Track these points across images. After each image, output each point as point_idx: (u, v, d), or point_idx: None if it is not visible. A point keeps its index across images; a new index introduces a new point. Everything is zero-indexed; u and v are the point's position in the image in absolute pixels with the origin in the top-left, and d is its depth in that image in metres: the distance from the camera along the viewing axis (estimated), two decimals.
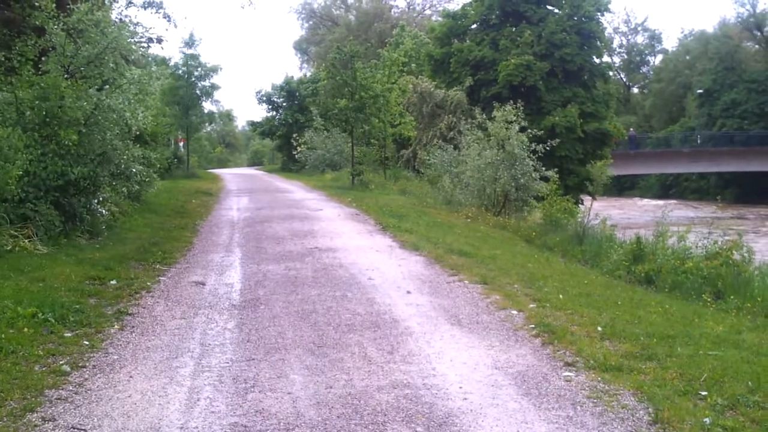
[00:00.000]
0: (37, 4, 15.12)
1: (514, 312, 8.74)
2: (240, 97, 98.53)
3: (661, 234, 16.27)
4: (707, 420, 5.30)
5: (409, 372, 6.51)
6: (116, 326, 7.96)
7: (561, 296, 9.83)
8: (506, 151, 23.64)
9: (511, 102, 25.81)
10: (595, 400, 5.81)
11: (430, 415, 5.48)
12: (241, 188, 32.35)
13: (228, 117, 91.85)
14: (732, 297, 11.81)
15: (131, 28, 17.58)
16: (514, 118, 24.19)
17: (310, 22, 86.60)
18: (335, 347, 7.28)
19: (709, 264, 13.14)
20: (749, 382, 6.15)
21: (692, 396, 5.87)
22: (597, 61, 45.60)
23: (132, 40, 16.91)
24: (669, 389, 6.00)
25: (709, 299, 11.73)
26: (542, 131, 26.98)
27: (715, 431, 5.14)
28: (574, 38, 42.09)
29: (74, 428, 5.23)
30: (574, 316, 8.60)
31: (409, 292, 9.89)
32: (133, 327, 8.03)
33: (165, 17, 21.40)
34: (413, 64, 47.38)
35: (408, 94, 37.84)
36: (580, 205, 34.23)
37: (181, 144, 45.58)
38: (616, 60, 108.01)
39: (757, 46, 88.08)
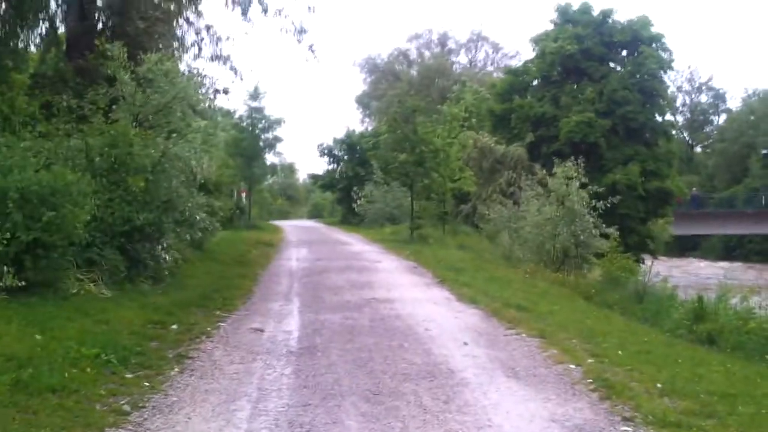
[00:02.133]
0: (109, 54, 15.63)
1: (572, 366, 8.66)
2: (302, 150, 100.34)
3: (724, 294, 16.02)
4: None
5: (464, 422, 6.50)
6: (176, 369, 8.09)
7: (620, 352, 9.72)
8: (566, 207, 23.55)
9: (572, 158, 25.77)
10: None
11: None
12: (300, 239, 32.66)
13: (290, 169, 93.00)
14: None
15: (198, 79, 18.08)
16: (575, 175, 24.12)
17: (373, 77, 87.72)
18: (391, 395, 7.29)
19: None
20: None
21: None
22: (659, 119, 45.42)
23: (199, 90, 17.38)
24: None
25: None
26: (603, 188, 26.85)
27: None
28: (636, 96, 42.03)
29: None
30: (632, 372, 8.49)
31: (465, 344, 9.87)
32: (192, 370, 8.15)
33: (231, 69, 21.95)
34: (474, 120, 47.60)
35: (468, 149, 38.00)
36: (640, 264, 33.79)
37: (244, 195, 46.25)
38: (680, 119, 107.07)
39: None
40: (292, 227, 47.04)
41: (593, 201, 23.88)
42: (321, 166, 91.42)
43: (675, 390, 7.72)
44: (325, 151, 60.16)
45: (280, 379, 7.92)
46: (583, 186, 24.13)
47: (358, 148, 57.47)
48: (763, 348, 12.32)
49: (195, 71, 19.43)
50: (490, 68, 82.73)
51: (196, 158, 16.70)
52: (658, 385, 7.85)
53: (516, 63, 53.48)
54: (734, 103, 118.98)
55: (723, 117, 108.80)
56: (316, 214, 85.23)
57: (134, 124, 14.77)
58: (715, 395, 7.59)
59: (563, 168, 24.62)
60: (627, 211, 38.17)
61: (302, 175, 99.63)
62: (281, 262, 21.33)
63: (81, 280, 11.70)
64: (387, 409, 6.85)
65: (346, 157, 59.06)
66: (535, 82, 46.24)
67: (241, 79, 22.54)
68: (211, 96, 19.98)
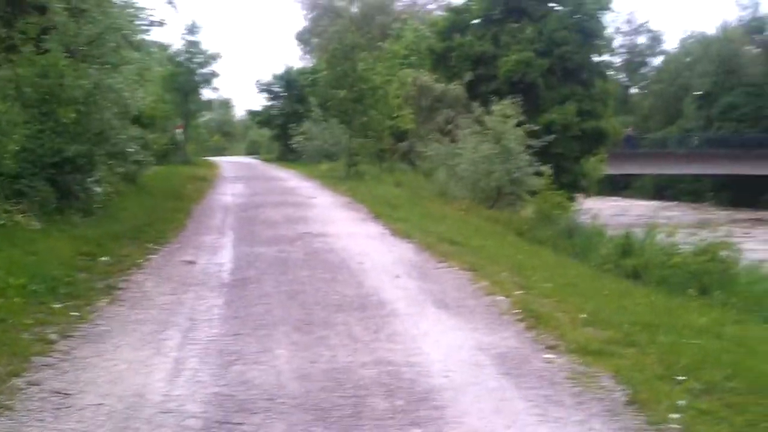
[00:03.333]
0: None
1: (500, 298, 8.82)
2: (240, 87, 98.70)
3: (651, 230, 16.40)
4: (682, 402, 5.39)
5: (393, 350, 6.61)
6: (105, 300, 8.06)
7: (548, 285, 9.92)
8: (502, 145, 23.72)
9: (510, 97, 25.91)
10: (573, 381, 5.91)
11: (410, 391, 5.58)
12: (236, 175, 32.46)
13: (227, 105, 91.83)
14: (717, 292, 11.94)
15: (132, 10, 17.66)
16: (512, 113, 24.29)
17: (314, 13, 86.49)
18: (322, 325, 7.38)
19: (697, 260, 13.26)
20: (727, 370, 6.23)
21: (669, 380, 5.96)
22: (597, 59, 45.71)
23: (133, 22, 16.98)
24: (647, 373, 6.09)
25: (694, 294, 11.85)
26: (539, 127, 27.08)
27: (688, 413, 5.22)
28: (574, 36, 42.15)
29: (58, 393, 5.32)
30: (559, 303, 8.69)
31: (397, 277, 9.98)
32: (122, 301, 8.13)
33: (168, 2, 21.45)
34: (414, 58, 47.38)
35: (407, 87, 37.90)
36: (573, 202, 34.32)
37: (179, 131, 45.57)
38: (617, 60, 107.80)
39: (757, 50, 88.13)
40: (228, 163, 46.65)
41: (529, 139, 24.12)
42: (259, 102, 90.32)
43: (599, 320, 7.92)
44: (264, 88, 59.47)
45: (211, 309, 7.95)
46: (519, 125, 24.32)
47: (296, 84, 56.89)
48: (685, 282, 12.68)
49: (129, 2, 18.97)
50: (431, 6, 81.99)
51: (129, 91, 16.36)
52: (583, 316, 8.05)
53: (457, 1, 53.13)
54: (671, 45, 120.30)
55: (660, 59, 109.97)
56: (253, 150, 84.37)
57: (66, 54, 14.36)
58: (637, 325, 7.80)
59: (501, 106, 24.77)
60: (562, 150, 38.50)
61: (240, 112, 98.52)
62: (216, 197, 21.21)
63: (9, 211, 11.47)
64: (317, 338, 6.93)
65: (284, 94, 58.48)
66: (476, 21, 46.01)
67: (177, 11, 22.06)
68: (146, 27, 19.58)
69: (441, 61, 44.63)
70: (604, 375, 6.05)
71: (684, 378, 5.98)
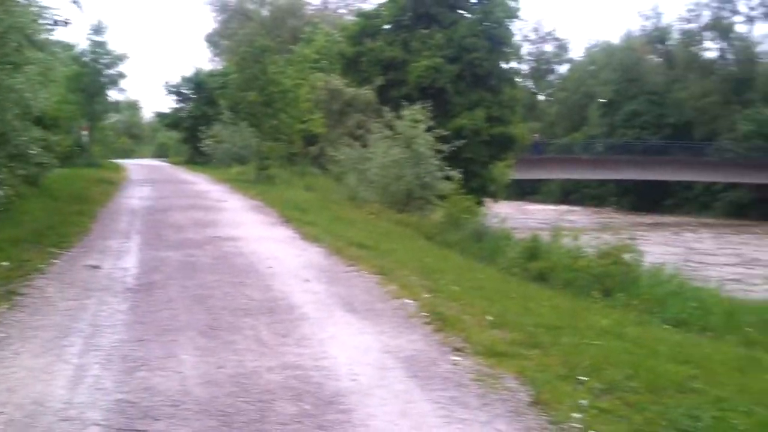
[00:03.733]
0: None
1: (409, 301, 8.88)
2: (148, 88, 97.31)
3: (557, 234, 16.74)
4: (584, 402, 5.52)
5: (300, 354, 6.59)
6: (5, 305, 7.82)
7: (455, 288, 10.04)
8: (412, 150, 23.89)
9: (420, 102, 26.11)
10: (479, 383, 5.99)
11: (318, 394, 5.58)
12: (144, 178, 31.92)
13: (134, 107, 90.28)
14: (620, 294, 12.26)
15: (36, 9, 17.17)
16: (422, 118, 24.49)
17: (224, 15, 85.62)
18: (228, 330, 7.30)
19: (600, 263, 13.59)
20: (627, 370, 6.41)
21: (572, 381, 6.10)
22: (505, 66, 46.44)
23: (37, 21, 16.53)
24: (550, 374, 6.22)
25: (598, 296, 12.14)
26: (449, 132, 27.33)
27: (590, 412, 5.34)
28: (483, 43, 42.75)
29: None
30: (466, 306, 8.80)
31: (307, 281, 9.96)
32: (23, 307, 7.91)
33: (72, 0, 20.89)
34: (324, 62, 47.35)
35: (318, 91, 37.87)
36: (481, 206, 34.79)
37: (85, 132, 44.52)
38: (525, 67, 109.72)
39: (658, 59, 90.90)
40: (136, 166, 45.86)
41: (439, 144, 24.34)
42: (168, 104, 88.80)
43: (505, 323, 8.05)
44: (172, 90, 58.65)
45: (115, 315, 7.79)
46: (429, 129, 24.52)
47: (206, 87, 56.25)
48: (589, 284, 12.98)
49: (32, 0, 18.44)
50: (342, 10, 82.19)
51: (32, 91, 15.92)
52: (489, 318, 8.17)
53: (368, 6, 53.36)
54: (577, 53, 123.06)
55: (566, 67, 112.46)
56: (161, 153, 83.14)
57: None
58: (541, 327, 7.96)
59: (411, 111, 24.94)
60: (471, 155, 39.01)
61: (148, 114, 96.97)
62: (123, 200, 20.80)
63: None
64: (224, 343, 6.86)
65: (193, 96, 57.77)
66: (387, 27, 46.22)
67: (82, 10, 21.51)
68: (50, 27, 19.05)
69: (352, 66, 44.72)
70: (508, 376, 6.16)
71: (586, 378, 6.12)
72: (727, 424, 5.19)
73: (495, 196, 44.09)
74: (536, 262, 14.79)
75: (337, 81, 40.11)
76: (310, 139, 39.78)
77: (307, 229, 15.05)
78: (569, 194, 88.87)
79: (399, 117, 25.17)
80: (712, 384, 6.40)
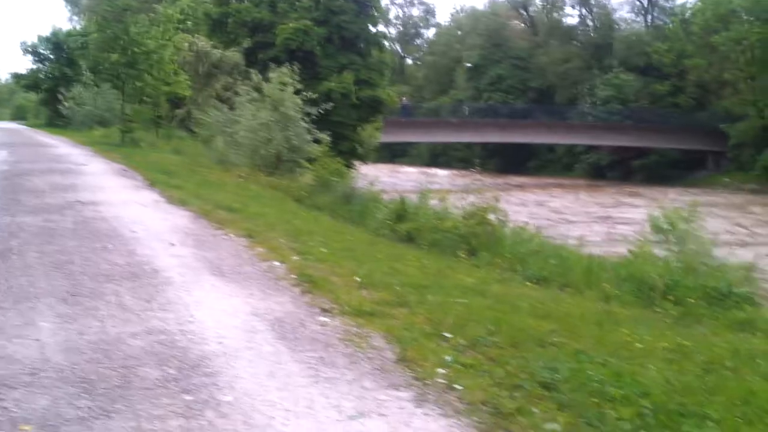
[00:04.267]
0: None
1: (277, 263, 8.84)
2: (3, 49, 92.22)
3: (424, 196, 16.96)
4: (448, 358, 5.63)
5: (165, 319, 6.47)
6: None
7: (324, 250, 10.06)
8: (280, 112, 23.69)
9: (288, 65, 25.87)
10: (346, 342, 6.03)
11: (183, 358, 5.49)
12: None
13: None
14: (484, 253, 12.55)
15: None
16: (290, 81, 24.29)
17: None
18: (90, 296, 7.09)
19: (466, 224, 13.86)
20: (490, 326, 6.58)
21: (437, 338, 6.21)
22: (373, 30, 46.52)
23: None
24: (416, 332, 6.32)
25: (463, 255, 12.40)
26: (318, 95, 27.24)
27: (454, 367, 5.46)
28: (351, 6, 42.70)
29: None
30: (335, 267, 8.83)
31: (172, 245, 9.77)
32: None
33: None
34: (190, 23, 46.22)
35: (184, 52, 37.00)
36: (351, 169, 34.94)
37: None
38: (393, 31, 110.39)
39: (522, 25, 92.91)
40: None
41: (308, 107, 24.22)
42: (25, 65, 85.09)
43: (372, 283, 8.12)
44: (29, 50, 56.27)
45: None
46: (297, 92, 24.36)
47: (65, 47, 54.19)
48: (456, 244, 13.24)
49: None
50: None
51: None
52: (357, 279, 8.23)
53: None
54: (444, 17, 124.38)
55: (433, 31, 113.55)
56: (19, 116, 79.70)
57: None
58: (408, 287, 8.08)
59: (278, 74, 24.69)
60: (340, 118, 39.03)
61: (4, 75, 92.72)
62: None
63: None
64: (85, 309, 6.66)
65: (52, 57, 55.58)
66: None
67: None
68: None
69: (218, 27, 43.87)
70: (376, 335, 6.22)
71: (451, 335, 6.25)
72: (584, 375, 5.39)
73: (364, 159, 44.33)
74: (404, 224, 14.95)
75: (203, 42, 39.30)
76: (177, 102, 38.96)
77: (174, 193, 14.75)
78: (437, 157, 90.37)
79: (267, 79, 24.89)
80: (571, 337, 6.65)
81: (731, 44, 59.23)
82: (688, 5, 74.06)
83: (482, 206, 14.65)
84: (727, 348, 6.99)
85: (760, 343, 7.45)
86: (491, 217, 14.68)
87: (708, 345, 7.09)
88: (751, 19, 57.57)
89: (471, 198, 16.38)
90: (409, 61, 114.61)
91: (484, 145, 78.44)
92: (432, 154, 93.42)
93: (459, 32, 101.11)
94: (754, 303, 10.20)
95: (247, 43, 40.81)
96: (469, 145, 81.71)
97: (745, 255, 17.01)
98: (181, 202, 13.60)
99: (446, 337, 6.23)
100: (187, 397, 4.82)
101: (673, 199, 39.35)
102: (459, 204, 16.20)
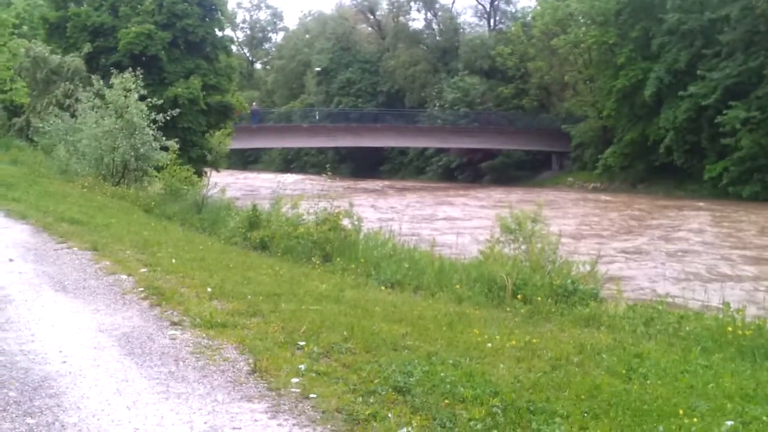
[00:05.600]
0: None
1: (124, 276, 8.60)
2: None
3: (277, 202, 16.82)
4: (302, 366, 5.59)
5: (5, 339, 6.16)
6: None
7: (174, 261, 9.85)
8: (125, 119, 23.01)
9: (131, 70, 25.18)
10: (198, 355, 5.90)
11: (24, 380, 5.24)
12: None
13: None
14: (338, 259, 12.54)
15: None
16: (134, 87, 23.63)
17: None
18: None
19: (319, 229, 13.81)
20: (344, 332, 6.57)
21: (291, 346, 6.16)
22: (219, 34, 45.99)
23: None
24: (270, 341, 6.25)
25: (318, 262, 12.35)
26: (164, 101, 26.65)
27: (308, 376, 5.42)
28: (195, 9, 42.10)
29: None
30: (185, 279, 8.66)
31: (11, 260, 9.34)
32: None
33: None
34: (26, 27, 44.44)
35: (20, 58, 35.48)
36: (202, 176, 34.39)
37: None
38: (240, 35, 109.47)
39: (370, 29, 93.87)
40: None
41: (153, 113, 23.64)
42: None
43: (224, 293, 8.00)
44: None
45: None
46: (142, 98, 23.73)
47: None
48: (309, 251, 13.16)
49: None
50: None
51: None
52: (209, 290, 8.10)
53: None
54: (292, 21, 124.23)
55: (281, 35, 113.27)
56: None
57: None
58: (261, 296, 8.00)
59: (121, 79, 23.98)
60: (189, 124, 38.45)
61: None
62: None
63: None
64: None
65: None
66: None
67: None
68: None
69: (56, 32, 42.24)
70: (228, 346, 6.13)
71: (304, 343, 6.22)
72: (437, 377, 5.45)
73: (215, 166, 43.74)
74: (257, 231, 14.76)
75: (40, 48, 37.76)
76: (15, 110, 37.31)
77: (13, 206, 14.15)
78: (290, 162, 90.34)
79: (109, 86, 24.12)
80: (424, 340, 6.72)
81: (570, 47, 61.68)
82: (528, 9, 76.78)
83: (335, 212, 14.64)
84: (573, 344, 7.20)
85: (603, 338, 7.70)
86: (345, 222, 14.69)
87: (555, 342, 7.29)
88: (588, 22, 60.10)
89: (324, 203, 16.40)
90: (258, 66, 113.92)
91: (337, 150, 78.87)
92: (285, 159, 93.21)
93: (307, 36, 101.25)
94: (598, 299, 10.60)
95: (87, 48, 39.45)
96: (322, 150, 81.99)
97: (589, 252, 17.71)
98: (21, 216, 13.06)
99: (300, 345, 6.19)
100: (30, 420, 4.59)
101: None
102: (312, 210, 16.15)
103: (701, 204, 42.52)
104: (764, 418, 5.18)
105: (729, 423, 4.95)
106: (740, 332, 8.16)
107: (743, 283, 18.24)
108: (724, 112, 45.60)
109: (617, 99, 55.58)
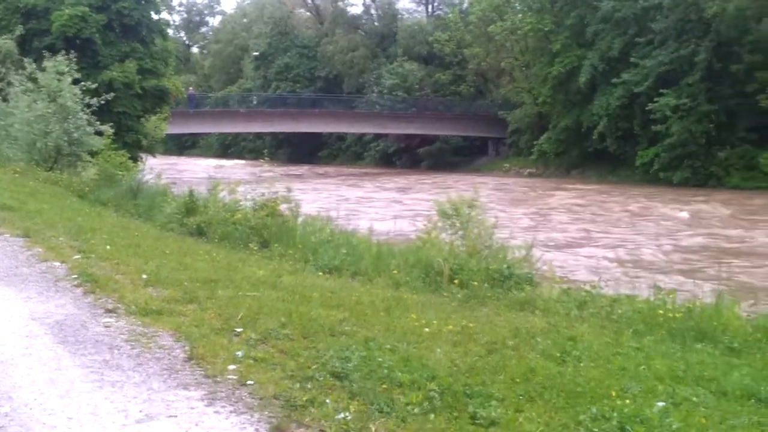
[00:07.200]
0: None
1: (57, 263, 8.47)
2: None
3: (214, 188, 16.70)
4: (240, 353, 5.57)
5: None
6: None
7: (108, 247, 9.72)
8: (58, 104, 22.59)
9: (65, 53, 24.70)
10: (133, 343, 5.84)
11: None
12: None
13: None
14: (276, 245, 12.51)
15: None
16: (67, 70, 23.20)
17: None
18: None
19: (257, 215, 13.75)
20: (282, 318, 6.56)
21: (228, 333, 6.14)
22: (156, 17, 45.34)
23: None
24: (206, 328, 6.21)
25: (255, 248, 12.31)
26: (98, 85, 26.24)
27: (245, 362, 5.40)
28: None
29: None
30: (120, 265, 8.57)
31: None
32: None
33: None
34: None
35: None
36: (138, 161, 33.96)
37: None
38: (177, 18, 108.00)
39: (308, 14, 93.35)
40: None
41: (87, 97, 23.25)
42: None
43: (160, 280, 7.93)
44: None
45: None
46: (76, 82, 23.32)
47: None
48: (247, 236, 13.11)
49: None
50: None
51: None
52: (144, 276, 8.02)
53: None
54: (229, 5, 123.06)
55: (218, 18, 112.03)
56: None
57: None
58: (198, 282, 7.95)
59: (54, 63, 23.52)
60: (124, 108, 37.88)
61: None
62: None
63: None
64: None
65: None
66: None
67: None
68: None
69: None
70: (164, 334, 6.07)
71: (241, 329, 6.20)
72: (374, 362, 5.47)
73: (151, 151, 43.20)
74: (194, 217, 14.65)
75: None
76: None
77: None
78: (228, 148, 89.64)
79: (42, 69, 23.64)
80: (362, 325, 6.74)
81: (506, 34, 62.13)
82: None
83: (273, 197, 14.58)
84: (508, 328, 7.29)
85: (538, 322, 7.82)
86: (283, 207, 14.65)
87: (491, 326, 7.38)
88: (524, 9, 60.62)
89: (262, 189, 16.29)
90: (196, 50, 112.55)
91: (275, 135, 78.44)
92: (222, 145, 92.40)
93: (245, 20, 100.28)
94: (533, 283, 10.74)
95: (20, 30, 38.50)
96: (260, 136, 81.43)
97: (524, 237, 17.94)
98: None
99: (237, 332, 6.16)
100: None
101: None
102: (250, 195, 16.05)
103: (635, 191, 43.32)
104: (694, 398, 5.32)
105: (660, 404, 5.05)
106: (671, 315, 8.35)
107: (675, 268, 18.66)
108: (656, 99, 46.42)
109: (553, 86, 56.25)
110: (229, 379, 5.13)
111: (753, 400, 5.50)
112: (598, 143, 52.50)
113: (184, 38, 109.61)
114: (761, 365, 6.67)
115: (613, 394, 5.16)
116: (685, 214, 32.00)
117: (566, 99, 55.95)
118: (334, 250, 12.34)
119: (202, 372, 5.25)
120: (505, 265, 10.91)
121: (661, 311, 8.49)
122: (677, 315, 8.35)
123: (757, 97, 43.75)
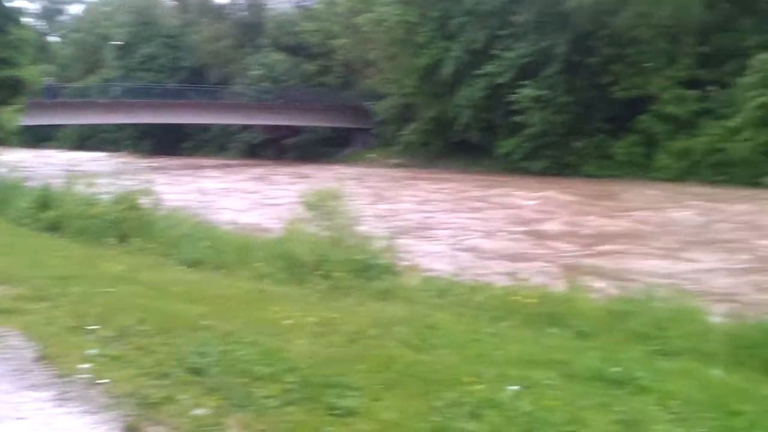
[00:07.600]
0: None
1: None
2: None
3: (71, 181, 16.21)
4: (93, 351, 5.46)
5: None
6: None
7: None
8: None
9: None
10: None
11: None
12: None
13: None
14: (136, 239, 12.27)
15: None
16: None
17: None
18: None
19: (116, 209, 13.43)
20: (139, 314, 6.46)
21: (81, 331, 6.02)
22: (10, 5, 43.55)
23: None
24: (59, 327, 6.08)
25: (113, 242, 12.04)
26: None
27: (99, 361, 5.29)
28: None
29: None
30: None
31: None
32: None
33: None
34: None
35: None
36: None
37: None
38: (34, 6, 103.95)
39: (173, 2, 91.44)
40: None
41: None
42: None
43: (10, 278, 7.69)
44: None
45: None
46: None
47: None
48: (105, 231, 12.81)
49: None
50: None
51: None
52: None
53: None
54: None
55: (79, 7, 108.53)
56: None
57: None
58: (51, 279, 7.75)
59: None
60: None
61: None
62: None
63: None
64: None
65: None
66: None
67: None
68: None
69: None
70: (13, 334, 5.90)
71: (96, 327, 6.07)
72: (234, 356, 5.46)
73: (5, 143, 41.49)
74: (49, 212, 14.21)
75: None
76: None
77: None
78: (87, 139, 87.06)
79: None
80: (222, 319, 6.70)
81: (373, 25, 62.37)
82: None
83: (132, 190, 14.26)
84: (370, 318, 7.37)
85: (399, 311, 7.93)
86: (143, 201, 14.34)
87: (354, 316, 7.45)
88: (391, 1, 60.96)
89: (122, 182, 15.90)
90: (54, 39, 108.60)
91: (137, 127, 76.40)
92: (81, 136, 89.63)
93: (107, 8, 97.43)
94: (395, 272, 10.87)
95: None
96: (121, 127, 79.19)
97: (385, 226, 18.13)
98: None
99: (91, 329, 6.04)
100: None
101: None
102: (109, 188, 15.65)
103: (495, 180, 44.24)
104: (545, 381, 5.51)
105: (512, 388, 5.21)
106: (526, 301, 8.62)
107: (533, 254, 19.17)
108: (517, 90, 47.58)
109: (418, 77, 56.79)
110: (82, 378, 5.02)
111: (601, 382, 5.74)
112: (462, 134, 53.39)
113: (46, 27, 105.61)
114: (609, 347, 6.96)
115: (468, 379, 5.28)
116: (533, 202, 32.80)
117: (432, 90, 56.59)
118: (196, 243, 12.19)
119: (54, 372, 5.13)
120: (368, 256, 11.01)
121: (517, 297, 8.75)
122: (532, 301, 8.62)
123: (611, 88, 45.42)
